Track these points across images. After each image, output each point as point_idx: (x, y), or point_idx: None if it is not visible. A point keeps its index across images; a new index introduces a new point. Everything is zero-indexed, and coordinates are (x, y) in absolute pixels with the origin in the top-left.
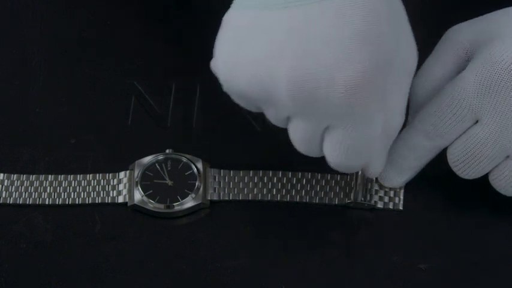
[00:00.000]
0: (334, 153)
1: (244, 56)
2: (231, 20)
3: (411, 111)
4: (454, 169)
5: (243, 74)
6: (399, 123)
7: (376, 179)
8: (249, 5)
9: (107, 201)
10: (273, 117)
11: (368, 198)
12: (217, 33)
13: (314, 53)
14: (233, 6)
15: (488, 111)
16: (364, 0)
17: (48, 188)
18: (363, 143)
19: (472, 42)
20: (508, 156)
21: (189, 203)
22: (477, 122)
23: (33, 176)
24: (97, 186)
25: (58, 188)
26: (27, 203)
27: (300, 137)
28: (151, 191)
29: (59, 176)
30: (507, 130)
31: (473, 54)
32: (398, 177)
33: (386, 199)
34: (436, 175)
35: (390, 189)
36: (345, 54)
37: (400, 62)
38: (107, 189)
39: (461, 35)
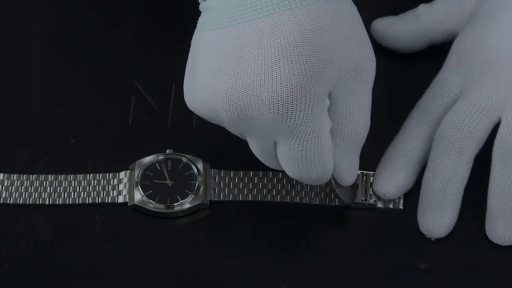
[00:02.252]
0: (287, 167)
1: (197, 77)
2: (192, 43)
3: None
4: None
5: (197, 96)
6: (362, 131)
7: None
8: (205, 27)
9: (107, 201)
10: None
11: (368, 197)
12: None
13: (246, 71)
14: (196, 28)
15: (464, 84)
16: (299, 16)
17: (48, 188)
18: (310, 154)
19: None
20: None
21: (189, 203)
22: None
23: (33, 176)
24: (97, 186)
25: (58, 188)
26: (27, 203)
27: (257, 153)
28: (151, 191)
29: (59, 176)
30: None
31: None
32: (392, 177)
33: (386, 199)
34: None
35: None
36: (272, 70)
37: (349, 71)
38: (107, 189)
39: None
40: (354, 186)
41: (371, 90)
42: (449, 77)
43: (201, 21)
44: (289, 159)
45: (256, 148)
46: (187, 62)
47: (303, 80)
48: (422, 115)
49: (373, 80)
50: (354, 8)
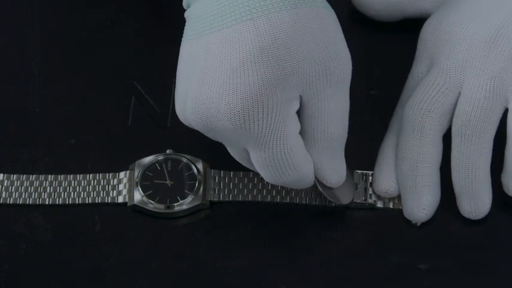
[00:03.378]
0: (261, 173)
1: (176, 87)
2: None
3: None
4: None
5: (175, 107)
6: (338, 132)
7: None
8: (185, 36)
9: (106, 201)
10: None
11: (368, 197)
12: None
13: (209, 82)
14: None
15: (427, 66)
16: (259, 26)
17: (48, 188)
18: (279, 161)
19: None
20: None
21: (189, 203)
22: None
23: (33, 176)
24: (97, 186)
25: (58, 188)
26: (27, 203)
27: (236, 158)
28: (151, 191)
29: (59, 176)
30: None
31: None
32: (386, 173)
33: (386, 198)
34: None
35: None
36: (230, 82)
37: (318, 76)
38: (107, 189)
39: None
40: (350, 186)
41: (347, 92)
42: (417, 64)
43: (184, 30)
44: (260, 166)
45: (233, 154)
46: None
47: (259, 91)
48: (400, 108)
49: (348, 82)
50: (328, 11)
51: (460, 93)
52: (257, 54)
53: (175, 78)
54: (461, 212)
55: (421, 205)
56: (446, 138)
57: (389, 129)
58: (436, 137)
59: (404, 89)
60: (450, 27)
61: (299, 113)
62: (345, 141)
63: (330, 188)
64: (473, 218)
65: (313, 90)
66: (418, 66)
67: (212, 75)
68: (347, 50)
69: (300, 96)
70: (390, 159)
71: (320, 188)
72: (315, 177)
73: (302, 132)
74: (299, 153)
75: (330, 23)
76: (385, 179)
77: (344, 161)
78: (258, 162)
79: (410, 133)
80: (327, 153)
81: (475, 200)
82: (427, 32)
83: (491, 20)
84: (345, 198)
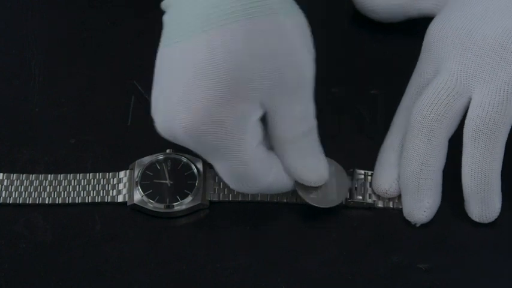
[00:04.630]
0: (226, 182)
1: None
2: None
3: None
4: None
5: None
6: (304, 130)
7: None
8: (161, 43)
9: (106, 201)
10: None
11: (367, 197)
12: None
13: (169, 96)
14: None
15: (434, 71)
16: (212, 39)
17: (48, 187)
18: (238, 172)
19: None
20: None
21: (188, 203)
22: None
23: (33, 175)
24: (97, 186)
25: (58, 187)
26: (27, 202)
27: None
28: (151, 191)
29: (59, 175)
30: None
31: None
32: (387, 174)
33: (386, 198)
34: None
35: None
36: (184, 96)
37: (275, 84)
38: (106, 189)
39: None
40: (340, 186)
41: (309, 94)
42: (423, 65)
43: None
44: (223, 176)
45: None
46: None
47: (211, 106)
48: (405, 108)
49: (309, 86)
50: (286, 18)
51: (470, 97)
52: (209, 69)
53: None
54: (470, 216)
55: (422, 207)
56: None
57: (391, 129)
58: (443, 140)
59: (408, 89)
60: (459, 31)
61: (263, 119)
62: (316, 138)
63: (315, 189)
64: (482, 222)
65: (270, 98)
66: (425, 67)
67: (172, 89)
68: (307, 54)
69: (261, 103)
70: (392, 159)
71: (300, 193)
72: (295, 182)
73: (269, 136)
74: (256, 166)
75: (287, 30)
76: (385, 179)
77: (322, 159)
78: (221, 172)
79: (417, 136)
80: (297, 154)
81: (487, 205)
82: (434, 33)
83: (502, 24)
84: (334, 200)
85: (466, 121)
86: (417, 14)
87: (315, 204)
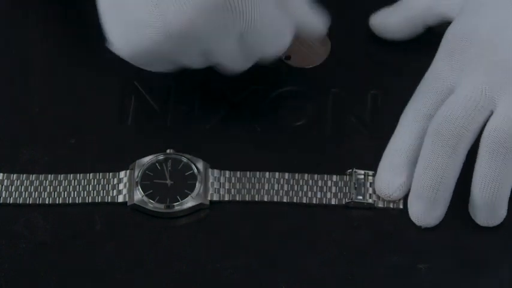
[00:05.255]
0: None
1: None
2: None
3: None
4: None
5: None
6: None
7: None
8: None
9: (106, 201)
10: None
11: (367, 197)
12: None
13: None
14: None
15: (457, 77)
16: None
17: (48, 187)
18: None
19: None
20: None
21: (189, 203)
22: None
23: (33, 175)
24: (97, 186)
25: (58, 187)
26: (27, 202)
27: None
28: (151, 191)
29: (59, 175)
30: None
31: None
32: (394, 178)
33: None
34: None
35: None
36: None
37: None
38: (107, 189)
39: None
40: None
41: None
42: (442, 71)
43: None
44: (231, 55)
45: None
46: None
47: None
48: (417, 111)
49: None
50: None
51: (492, 110)
52: None
53: (175, 78)
54: (474, 219)
55: (434, 215)
56: None
57: (398, 131)
58: (464, 153)
59: (422, 91)
60: (485, 42)
61: None
62: None
63: (310, 47)
64: (487, 226)
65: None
66: (445, 73)
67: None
68: None
69: None
70: (398, 163)
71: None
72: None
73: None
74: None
75: None
76: (390, 184)
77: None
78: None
79: (440, 147)
80: (306, 6)
81: (495, 212)
82: (456, 39)
83: None
84: (319, 59)
85: (485, 132)
86: (437, 21)
87: (307, 64)
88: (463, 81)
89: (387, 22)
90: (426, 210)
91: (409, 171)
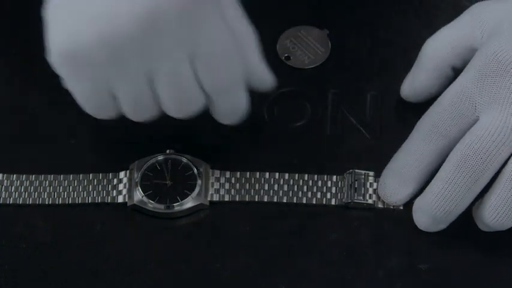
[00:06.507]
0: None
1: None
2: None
3: None
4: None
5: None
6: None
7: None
8: None
9: (106, 201)
10: None
11: (367, 197)
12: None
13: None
14: None
15: (487, 102)
16: None
17: (48, 188)
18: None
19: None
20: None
21: (188, 203)
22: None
23: (33, 176)
24: (97, 186)
25: (58, 188)
26: (27, 203)
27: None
28: (151, 191)
29: (59, 175)
30: (506, 119)
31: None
32: (402, 188)
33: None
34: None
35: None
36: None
37: None
38: (106, 189)
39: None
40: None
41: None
42: (471, 95)
43: None
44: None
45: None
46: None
47: None
48: (436, 128)
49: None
50: None
51: None
52: None
53: None
54: (475, 221)
55: (444, 225)
56: None
57: (412, 144)
58: (487, 182)
59: (442, 109)
60: None
61: None
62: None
63: (310, 47)
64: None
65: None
66: (472, 99)
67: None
68: None
69: None
70: (409, 177)
71: (297, 45)
72: None
73: None
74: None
75: None
76: (397, 193)
77: None
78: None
79: (462, 179)
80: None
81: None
82: (486, 66)
83: None
84: (319, 59)
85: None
86: (464, 58)
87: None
88: (493, 109)
89: (417, 85)
90: (436, 224)
91: (416, 185)
